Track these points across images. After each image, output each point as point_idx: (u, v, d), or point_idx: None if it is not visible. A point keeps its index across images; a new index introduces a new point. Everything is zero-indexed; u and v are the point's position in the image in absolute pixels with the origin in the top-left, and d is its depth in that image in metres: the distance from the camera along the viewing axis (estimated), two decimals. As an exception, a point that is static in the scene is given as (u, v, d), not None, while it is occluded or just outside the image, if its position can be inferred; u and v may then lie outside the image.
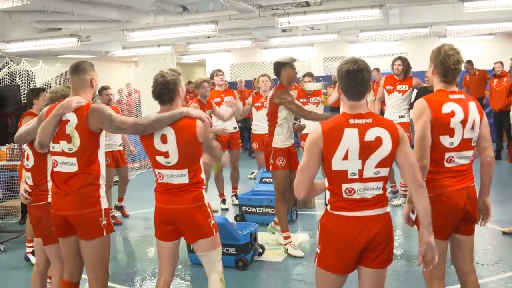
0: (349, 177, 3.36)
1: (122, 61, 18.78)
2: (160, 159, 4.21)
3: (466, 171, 3.94)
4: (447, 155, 3.87)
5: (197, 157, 4.26)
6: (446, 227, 3.86)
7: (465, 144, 3.91)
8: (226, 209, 9.36)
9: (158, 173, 4.28)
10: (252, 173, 12.43)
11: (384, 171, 3.40)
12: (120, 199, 9.32)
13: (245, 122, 15.01)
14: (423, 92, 7.35)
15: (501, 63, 13.07)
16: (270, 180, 8.23)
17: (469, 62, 14.15)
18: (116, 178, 9.67)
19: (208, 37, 15.31)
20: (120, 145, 8.94)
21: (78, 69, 4.26)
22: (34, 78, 11.86)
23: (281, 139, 6.69)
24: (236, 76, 18.99)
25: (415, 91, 9.08)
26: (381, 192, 3.42)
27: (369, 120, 3.37)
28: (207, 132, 4.23)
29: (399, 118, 8.80)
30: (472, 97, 4.03)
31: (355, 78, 3.36)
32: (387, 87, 9.11)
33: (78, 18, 10.73)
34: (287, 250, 6.88)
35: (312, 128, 3.49)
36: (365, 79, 3.38)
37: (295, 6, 10.23)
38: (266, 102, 6.95)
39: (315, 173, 3.47)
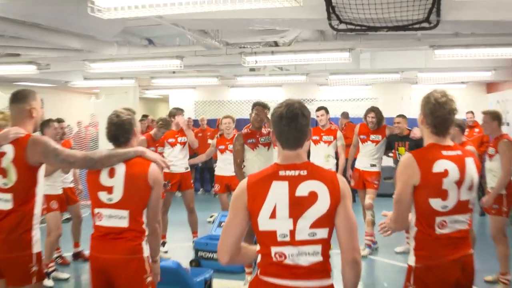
0: (279, 239, 3.01)
1: (83, 92, 18.64)
2: (102, 195, 4.05)
3: (462, 238, 3.53)
4: (438, 219, 3.45)
5: (142, 201, 4.07)
6: None
7: (461, 207, 3.52)
8: (165, 252, 9.28)
9: (97, 212, 4.09)
10: (211, 216, 12.33)
11: (322, 233, 3.01)
12: (77, 244, 9.01)
13: (206, 162, 14.91)
14: (419, 144, 7.54)
15: (472, 113, 13.28)
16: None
17: None
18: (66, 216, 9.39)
19: (173, 72, 15.32)
20: (71, 182, 8.81)
21: (17, 97, 4.14)
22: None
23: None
24: (201, 114, 18.98)
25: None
26: (319, 259, 3.03)
27: (303, 172, 3.06)
28: (160, 180, 4.11)
29: (370, 166, 9.10)
30: (469, 152, 3.67)
31: (288, 124, 3.08)
32: (361, 136, 9.30)
33: (38, 45, 10.57)
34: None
35: (239, 183, 3.23)
36: (300, 125, 3.09)
37: (263, 46, 10.28)
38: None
39: (241, 234, 3.13)
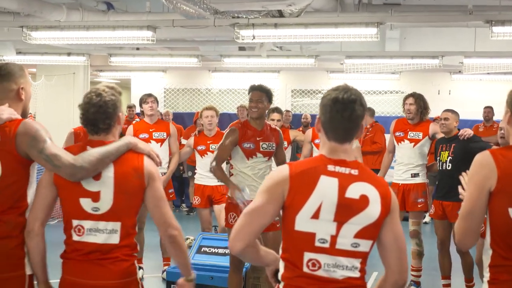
0: (317, 243, 3.27)
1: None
2: (85, 203, 3.96)
3: None
4: None
5: (135, 208, 4.07)
6: None
7: None
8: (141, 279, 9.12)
9: (77, 225, 4.00)
10: (186, 239, 12.20)
11: (365, 245, 3.31)
12: None
13: (177, 168, 14.75)
14: (468, 149, 7.65)
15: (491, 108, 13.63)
16: (213, 249, 8.09)
17: (490, 108, 14.33)
18: None
19: (137, 48, 15.25)
20: None
21: (0, 74, 4.12)
22: None
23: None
24: (172, 106, 18.96)
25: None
26: (357, 274, 3.32)
27: (355, 172, 3.33)
28: (158, 174, 4.10)
29: (411, 177, 8.92)
30: None
31: (343, 111, 3.31)
32: (397, 134, 9.12)
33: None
34: None
35: (277, 168, 3.47)
36: (355, 115, 3.32)
37: (263, 16, 10.14)
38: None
39: (267, 224, 3.39)
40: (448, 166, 8.17)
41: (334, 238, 3.25)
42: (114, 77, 20.57)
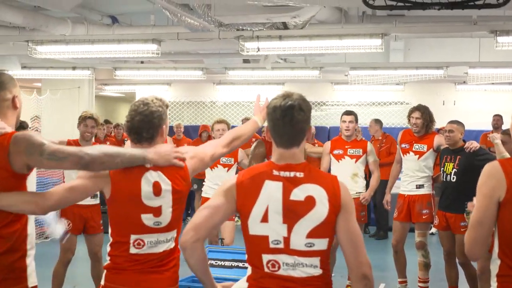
0: (271, 245, 3.38)
1: (19, 85, 18.47)
2: (147, 219, 4.01)
3: None
4: None
5: (183, 212, 4.27)
6: None
7: None
8: None
9: (136, 239, 4.03)
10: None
11: (320, 244, 3.38)
12: None
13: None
14: (473, 162, 7.67)
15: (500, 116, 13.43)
16: (220, 262, 8.05)
17: (499, 117, 13.94)
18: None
19: (141, 62, 15.18)
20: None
21: None
22: None
23: None
24: (177, 119, 18.83)
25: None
26: (318, 272, 3.40)
27: (300, 174, 3.42)
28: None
29: (416, 188, 8.90)
30: None
31: (282, 118, 3.42)
32: (403, 146, 9.12)
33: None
34: None
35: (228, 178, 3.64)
36: (295, 119, 3.41)
37: (268, 28, 10.22)
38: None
39: (220, 223, 3.59)
40: (453, 178, 8.17)
41: (287, 239, 3.36)
42: (118, 90, 20.76)
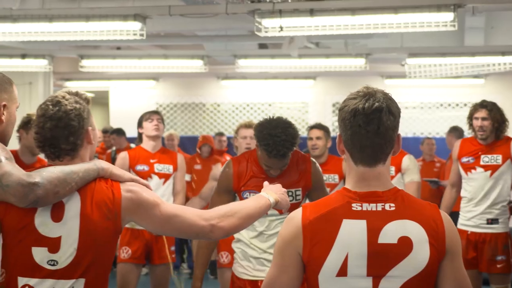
0: None
1: None
2: (39, 253, 3.54)
3: None
4: None
5: (108, 261, 3.64)
6: None
7: None
8: None
9: (24, 286, 3.58)
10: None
11: None
12: None
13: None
14: None
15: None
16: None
17: None
18: None
19: (119, 48, 14.40)
20: None
21: None
22: None
23: None
24: (167, 127, 17.72)
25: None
26: None
27: (391, 206, 2.96)
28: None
29: (488, 223, 8.11)
30: None
31: (366, 125, 2.93)
32: (463, 160, 8.35)
33: None
34: None
35: (288, 216, 3.18)
36: (384, 127, 2.94)
37: (295, 0, 9.15)
38: None
39: None
40: None
41: None
42: (86, 87, 19.41)
